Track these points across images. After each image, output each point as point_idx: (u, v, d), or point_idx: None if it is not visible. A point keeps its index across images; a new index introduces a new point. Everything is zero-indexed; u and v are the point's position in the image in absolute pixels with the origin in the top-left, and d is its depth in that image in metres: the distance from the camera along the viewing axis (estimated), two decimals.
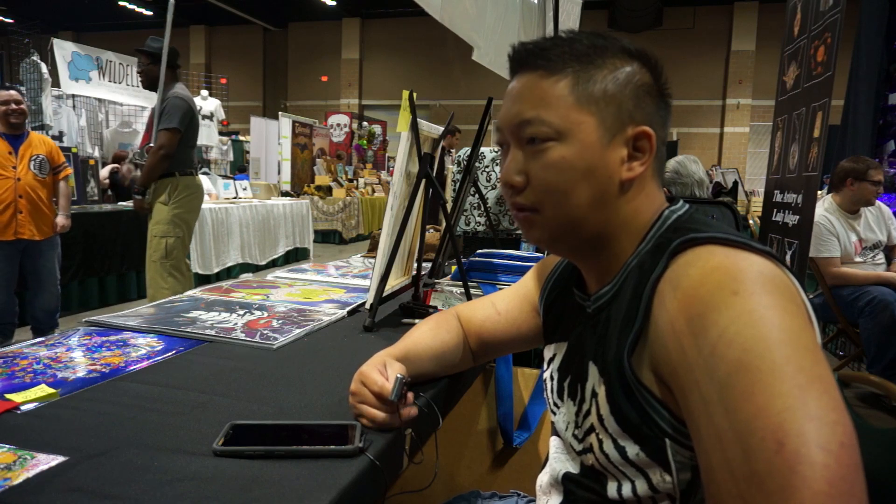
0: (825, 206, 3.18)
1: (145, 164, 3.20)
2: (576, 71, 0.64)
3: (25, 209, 3.22)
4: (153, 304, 1.40)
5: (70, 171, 3.54)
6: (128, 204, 5.33)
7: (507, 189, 0.67)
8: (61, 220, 3.45)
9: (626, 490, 0.62)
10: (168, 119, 3.17)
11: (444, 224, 1.71)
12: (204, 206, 5.41)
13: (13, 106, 3.15)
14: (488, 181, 2.16)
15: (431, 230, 2.45)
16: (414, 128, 1.28)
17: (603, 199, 0.64)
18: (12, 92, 3.20)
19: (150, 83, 3.35)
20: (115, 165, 6.30)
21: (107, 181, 5.77)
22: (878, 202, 3.23)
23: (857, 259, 3.15)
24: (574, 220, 0.65)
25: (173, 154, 3.20)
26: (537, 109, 0.64)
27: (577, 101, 0.63)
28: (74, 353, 1.03)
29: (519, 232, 2.16)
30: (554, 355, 0.78)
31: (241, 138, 11.81)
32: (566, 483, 0.72)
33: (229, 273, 5.76)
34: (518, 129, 0.65)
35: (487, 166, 2.15)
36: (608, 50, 0.65)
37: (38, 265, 3.38)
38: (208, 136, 9.22)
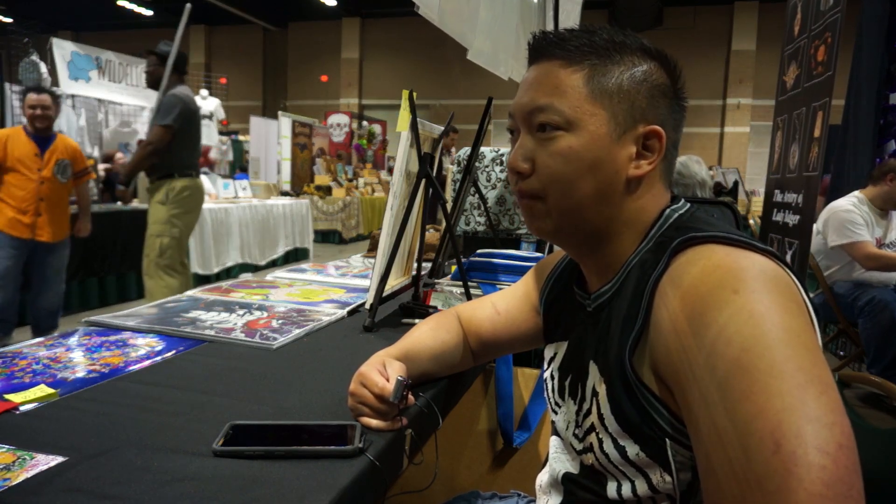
0: (852, 202, 3.13)
1: (132, 155, 3.26)
2: (593, 64, 0.64)
3: (45, 212, 3.22)
4: (153, 304, 1.40)
5: (93, 175, 3.53)
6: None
7: (513, 175, 0.68)
8: (83, 223, 3.50)
9: (626, 490, 0.62)
10: (161, 116, 3.20)
11: (444, 224, 1.71)
12: (204, 206, 5.43)
13: (39, 111, 3.17)
14: (488, 181, 2.16)
15: (431, 230, 2.45)
16: (414, 128, 1.28)
17: (608, 194, 0.64)
18: (43, 96, 3.21)
19: (153, 82, 3.42)
20: (108, 165, 6.30)
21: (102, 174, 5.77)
22: None
23: None
24: (577, 211, 0.65)
25: (162, 151, 3.22)
26: (551, 98, 0.64)
27: (591, 92, 0.63)
28: (74, 353, 1.03)
29: (519, 232, 2.16)
30: (554, 354, 0.78)
31: (241, 138, 11.80)
32: (566, 483, 0.72)
33: (229, 273, 5.75)
34: (530, 115, 0.66)
35: (487, 166, 2.15)
36: (627, 47, 0.65)
37: (46, 265, 3.36)
38: (208, 135, 9.20)
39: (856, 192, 3.21)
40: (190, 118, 3.30)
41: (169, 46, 3.38)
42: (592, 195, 0.64)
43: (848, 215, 3.05)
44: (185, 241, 3.47)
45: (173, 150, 3.26)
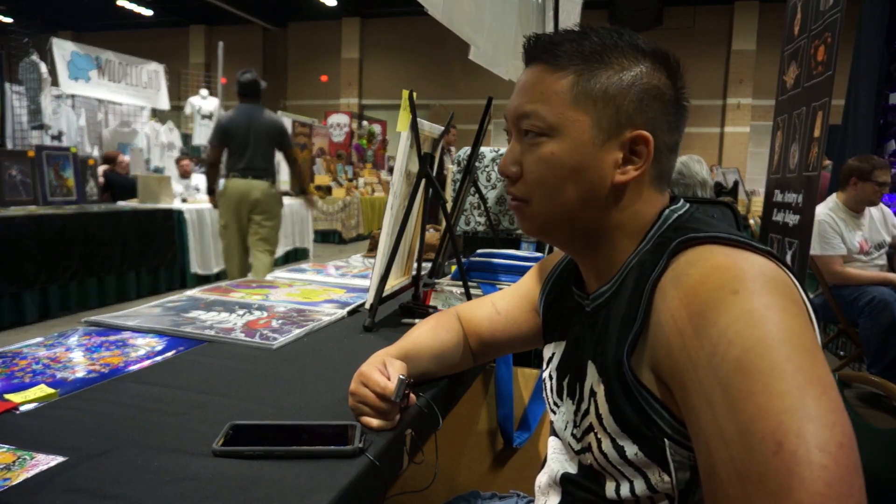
0: (829, 206, 3.17)
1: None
2: (579, 69, 0.63)
3: None
4: (153, 303, 1.40)
5: None
6: (126, 204, 5.34)
7: (504, 178, 0.70)
8: None
9: (625, 490, 0.62)
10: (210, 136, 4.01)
11: (444, 224, 1.71)
12: (203, 206, 5.44)
13: None
14: (488, 181, 2.16)
15: (431, 230, 2.45)
16: (414, 127, 1.28)
17: (593, 200, 0.65)
18: None
19: None
20: (108, 166, 6.30)
21: (101, 179, 5.77)
22: (881, 204, 3.22)
23: (863, 258, 3.14)
24: (562, 216, 0.66)
25: (213, 164, 4.00)
26: (535, 104, 0.65)
27: (574, 98, 0.63)
28: (74, 353, 1.03)
29: (519, 232, 2.16)
30: (553, 354, 0.78)
31: None
32: (564, 483, 0.72)
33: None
34: (517, 121, 0.67)
35: (487, 166, 2.15)
36: (618, 49, 0.64)
37: None
38: (208, 135, 9.20)
39: (832, 197, 3.25)
40: (225, 132, 3.88)
41: (249, 73, 4.03)
42: (576, 201, 0.65)
43: (824, 227, 3.09)
44: (234, 229, 3.97)
45: (219, 159, 3.96)
